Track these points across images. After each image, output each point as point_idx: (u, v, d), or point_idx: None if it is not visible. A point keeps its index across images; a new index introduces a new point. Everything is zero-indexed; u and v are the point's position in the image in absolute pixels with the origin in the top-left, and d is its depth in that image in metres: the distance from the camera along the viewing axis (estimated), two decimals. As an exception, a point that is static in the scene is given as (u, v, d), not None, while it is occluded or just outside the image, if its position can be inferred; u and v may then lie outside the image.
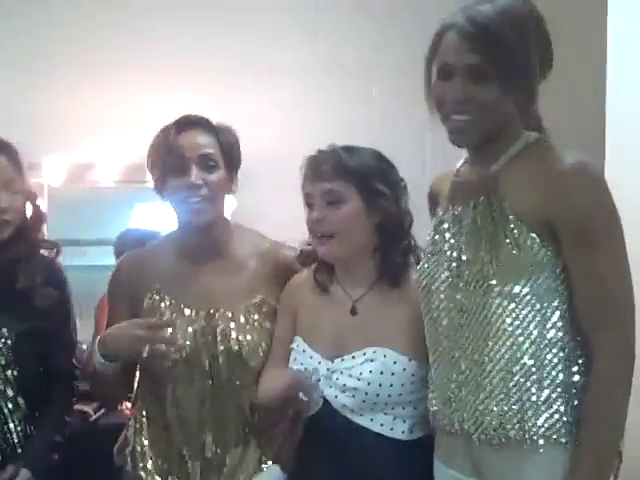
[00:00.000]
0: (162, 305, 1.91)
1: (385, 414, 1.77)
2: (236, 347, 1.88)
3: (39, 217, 2.10)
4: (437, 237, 1.67)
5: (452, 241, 1.63)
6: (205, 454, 1.91)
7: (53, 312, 1.96)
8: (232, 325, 1.89)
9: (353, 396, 1.76)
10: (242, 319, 1.91)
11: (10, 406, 1.93)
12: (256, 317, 1.91)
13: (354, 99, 3.55)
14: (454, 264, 1.61)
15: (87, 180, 3.38)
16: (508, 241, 1.53)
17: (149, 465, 1.95)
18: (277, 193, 3.13)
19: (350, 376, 1.76)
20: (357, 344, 1.78)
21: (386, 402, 1.76)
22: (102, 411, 2.83)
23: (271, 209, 3.28)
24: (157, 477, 1.95)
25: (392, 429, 1.77)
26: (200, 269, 1.93)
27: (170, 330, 1.82)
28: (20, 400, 1.95)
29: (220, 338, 1.89)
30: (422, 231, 1.87)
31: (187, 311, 1.91)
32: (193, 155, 1.87)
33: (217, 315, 1.90)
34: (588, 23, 2.64)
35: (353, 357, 1.78)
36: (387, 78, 3.58)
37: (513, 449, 1.54)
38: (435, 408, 1.66)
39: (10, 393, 1.93)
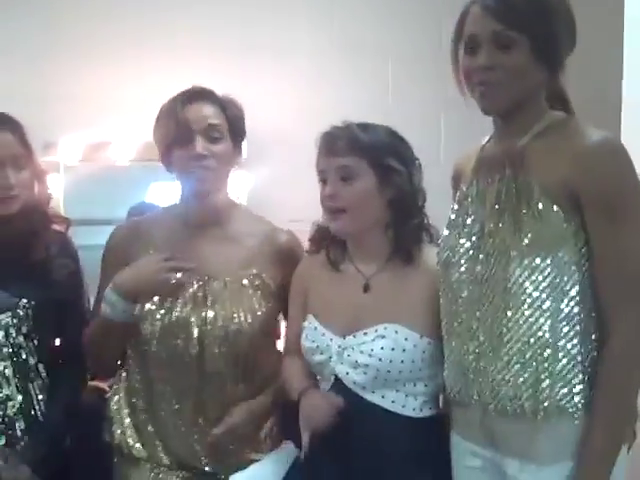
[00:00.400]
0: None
1: (396, 391, 1.79)
2: (225, 314, 1.90)
3: (46, 193, 2.12)
4: (460, 211, 1.69)
5: (475, 214, 1.65)
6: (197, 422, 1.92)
7: (69, 283, 2.01)
8: (224, 293, 1.91)
9: (364, 373, 1.77)
10: (234, 287, 1.92)
11: (32, 375, 1.97)
12: (248, 287, 1.93)
13: (369, 79, 3.54)
14: (475, 237, 1.64)
15: (103, 159, 3.39)
16: (532, 214, 1.55)
17: (130, 440, 1.97)
18: (292, 172, 3.14)
19: (362, 352, 1.77)
20: (369, 321, 1.80)
21: (397, 379, 1.77)
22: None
23: (286, 188, 3.28)
24: (137, 445, 1.97)
25: (403, 406, 1.79)
26: (197, 238, 1.96)
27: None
28: (41, 368, 1.99)
29: (210, 304, 1.90)
30: (436, 211, 1.88)
31: (178, 276, 1.90)
32: (199, 126, 1.89)
33: (210, 282, 1.91)
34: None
35: (365, 334, 1.79)
36: (403, 58, 3.57)
37: (528, 420, 1.56)
38: (451, 381, 1.68)
39: (32, 361, 1.97)
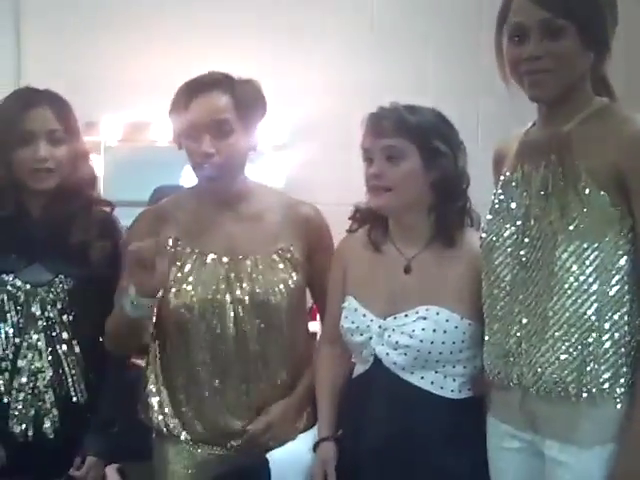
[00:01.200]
0: (183, 254, 1.93)
1: (435, 372, 1.80)
2: (259, 290, 1.90)
3: (90, 173, 2.14)
4: (503, 196, 1.69)
5: (520, 199, 1.65)
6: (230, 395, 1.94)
7: (108, 264, 2.01)
8: (256, 270, 1.92)
9: (405, 354, 1.78)
10: (266, 264, 1.93)
11: (65, 348, 2.00)
12: (279, 262, 1.93)
13: (408, 62, 3.53)
14: (520, 221, 1.64)
15: (143, 139, 3.42)
16: (579, 199, 1.55)
17: (168, 417, 1.98)
18: (331, 155, 3.15)
19: (402, 333, 1.79)
20: (410, 302, 1.81)
21: (437, 360, 1.78)
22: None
23: (321, 170, 3.29)
24: (174, 422, 1.98)
25: (442, 387, 1.80)
26: (220, 218, 1.96)
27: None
28: (75, 344, 2.01)
29: (244, 283, 1.91)
30: (475, 196, 1.88)
31: (209, 258, 1.92)
32: (205, 122, 1.86)
33: (240, 260, 1.92)
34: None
35: (406, 315, 1.80)
36: (440, 42, 3.55)
37: (570, 402, 1.57)
38: (491, 364, 1.69)
39: (65, 336, 2.00)
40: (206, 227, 1.95)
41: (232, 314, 1.91)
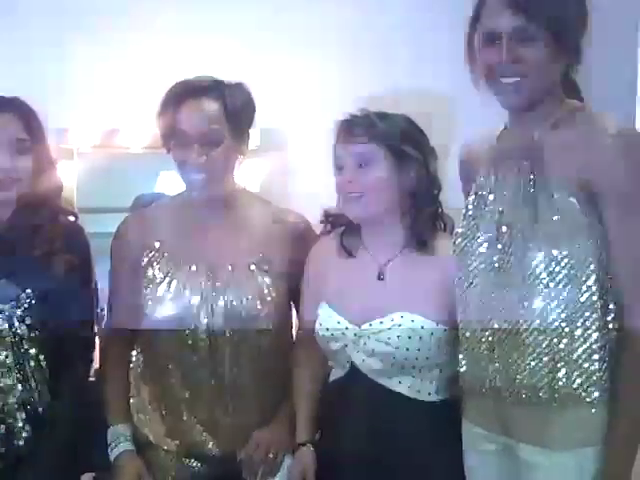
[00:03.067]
0: (160, 261, 1.93)
1: (412, 377, 1.81)
2: (234, 301, 1.90)
3: (56, 183, 2.10)
4: (477, 202, 1.70)
5: (493, 204, 1.66)
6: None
7: (74, 276, 1.99)
8: (231, 280, 1.91)
9: (381, 360, 1.79)
10: (241, 274, 1.92)
11: (33, 365, 1.96)
12: (256, 273, 1.93)
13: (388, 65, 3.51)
14: (493, 227, 1.65)
15: (116, 146, 3.38)
16: (548, 205, 1.56)
17: (145, 426, 2.01)
18: (307, 161, 3.13)
19: (378, 341, 1.79)
20: (385, 309, 1.81)
21: (414, 365, 1.79)
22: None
23: (295, 178, 3.27)
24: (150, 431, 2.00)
25: (419, 391, 1.81)
26: (202, 227, 1.95)
27: None
28: (42, 359, 1.98)
29: (218, 294, 1.91)
30: (451, 199, 1.87)
31: (186, 267, 1.90)
32: (196, 131, 1.85)
33: (217, 269, 1.90)
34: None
35: (381, 322, 1.80)
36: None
37: (543, 407, 1.59)
38: (465, 369, 1.69)
39: (33, 352, 1.97)
40: (188, 235, 1.95)
41: (205, 326, 1.89)
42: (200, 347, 1.89)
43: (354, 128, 1.84)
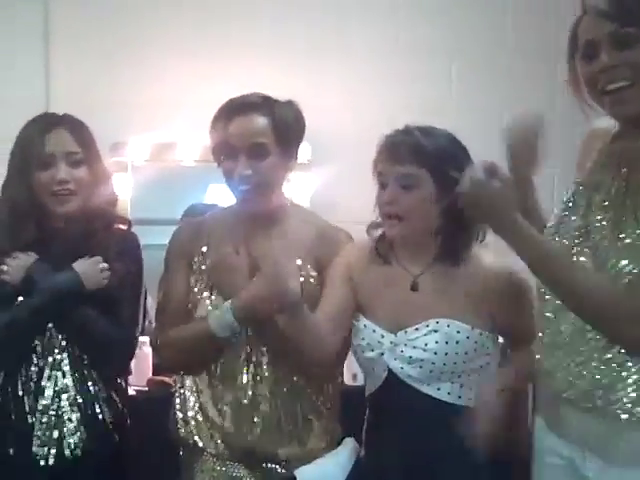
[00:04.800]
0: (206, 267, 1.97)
1: (451, 383, 1.81)
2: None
3: (111, 195, 2.16)
4: (568, 204, 1.65)
5: (584, 210, 1.61)
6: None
7: (124, 283, 2.04)
8: None
9: (420, 367, 1.79)
10: None
11: (87, 367, 2.03)
12: (301, 285, 1.89)
13: (433, 80, 3.53)
14: (578, 232, 1.60)
15: (169, 159, 3.45)
16: (634, 216, 1.51)
17: (194, 432, 1.98)
18: (355, 174, 3.15)
19: (415, 347, 1.79)
20: (419, 316, 1.82)
21: (453, 371, 1.79)
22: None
23: (344, 189, 3.29)
24: (200, 438, 1.97)
25: (460, 397, 1.81)
26: (250, 236, 1.97)
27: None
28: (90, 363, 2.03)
29: None
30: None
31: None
32: (243, 144, 1.88)
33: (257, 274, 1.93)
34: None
35: (417, 329, 1.81)
36: (467, 59, 3.55)
37: (601, 418, 1.54)
38: (543, 371, 1.67)
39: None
40: (234, 245, 1.97)
41: (245, 332, 1.93)
42: (240, 351, 1.93)
43: (398, 147, 1.84)
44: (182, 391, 2.03)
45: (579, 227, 1.61)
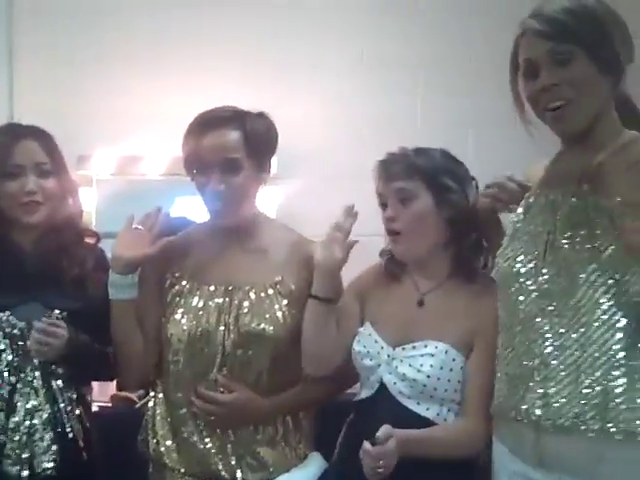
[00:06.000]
0: (182, 284, 1.98)
1: (440, 405, 1.83)
2: (247, 322, 1.91)
3: (79, 207, 2.15)
4: (521, 224, 1.67)
5: (542, 226, 1.62)
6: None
7: (102, 296, 2.01)
8: (246, 301, 1.93)
9: (411, 386, 1.82)
10: (257, 296, 1.94)
11: (60, 384, 1.99)
12: (273, 295, 1.94)
13: (399, 95, 3.55)
14: (539, 249, 1.61)
15: (134, 172, 3.43)
16: (610, 231, 1.51)
17: (163, 449, 1.98)
18: (321, 186, 3.16)
19: (410, 366, 1.82)
20: (419, 335, 1.84)
21: (443, 397, 1.82)
22: (147, 398, 2.89)
23: (313, 203, 3.29)
24: (174, 455, 1.97)
25: (445, 420, 1.83)
26: (224, 251, 1.98)
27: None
28: (69, 379, 2.00)
29: (233, 313, 1.92)
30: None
31: (206, 288, 1.95)
32: (216, 159, 1.90)
33: (234, 291, 1.94)
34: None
35: (414, 347, 1.82)
36: (432, 74, 3.58)
37: (589, 439, 1.52)
38: (503, 394, 1.67)
39: (60, 371, 1.99)
40: (210, 261, 1.98)
41: (220, 343, 1.92)
42: (214, 365, 1.91)
43: (393, 166, 1.90)
44: (150, 412, 2.02)
45: (536, 251, 1.62)
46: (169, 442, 1.97)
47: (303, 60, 3.47)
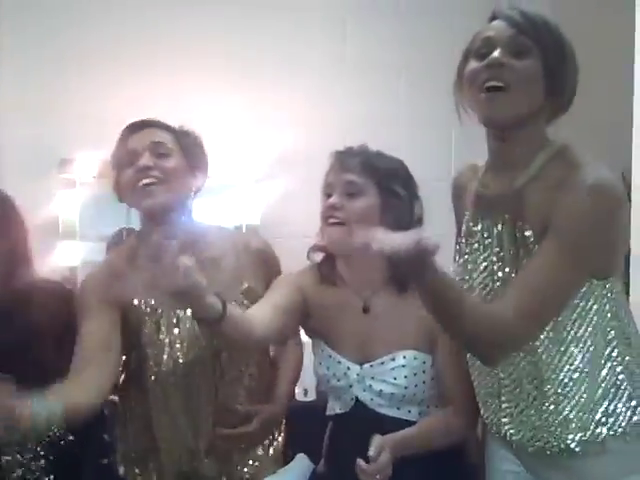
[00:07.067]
0: (147, 310, 1.92)
1: (419, 405, 1.84)
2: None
3: (26, 252, 1.99)
4: (468, 247, 1.68)
5: (482, 253, 1.64)
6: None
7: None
8: None
9: (390, 399, 1.82)
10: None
11: None
12: (247, 303, 1.91)
13: (381, 95, 3.56)
14: (483, 275, 1.64)
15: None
16: (528, 258, 1.53)
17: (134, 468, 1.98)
18: (305, 189, 3.15)
19: (384, 381, 1.82)
20: (382, 347, 1.83)
21: (422, 398, 1.83)
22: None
23: (296, 206, 3.29)
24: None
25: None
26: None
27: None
28: None
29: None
30: (445, 227, 1.89)
31: (174, 312, 1.90)
32: (144, 144, 1.87)
33: None
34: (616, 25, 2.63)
35: (382, 363, 1.82)
36: (414, 74, 3.59)
37: (573, 455, 1.55)
38: (482, 407, 1.72)
39: None
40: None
41: (213, 363, 1.91)
42: (194, 382, 1.90)
43: (349, 159, 1.88)
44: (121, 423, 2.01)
45: (480, 277, 1.64)
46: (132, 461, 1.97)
47: (285, 63, 3.46)
